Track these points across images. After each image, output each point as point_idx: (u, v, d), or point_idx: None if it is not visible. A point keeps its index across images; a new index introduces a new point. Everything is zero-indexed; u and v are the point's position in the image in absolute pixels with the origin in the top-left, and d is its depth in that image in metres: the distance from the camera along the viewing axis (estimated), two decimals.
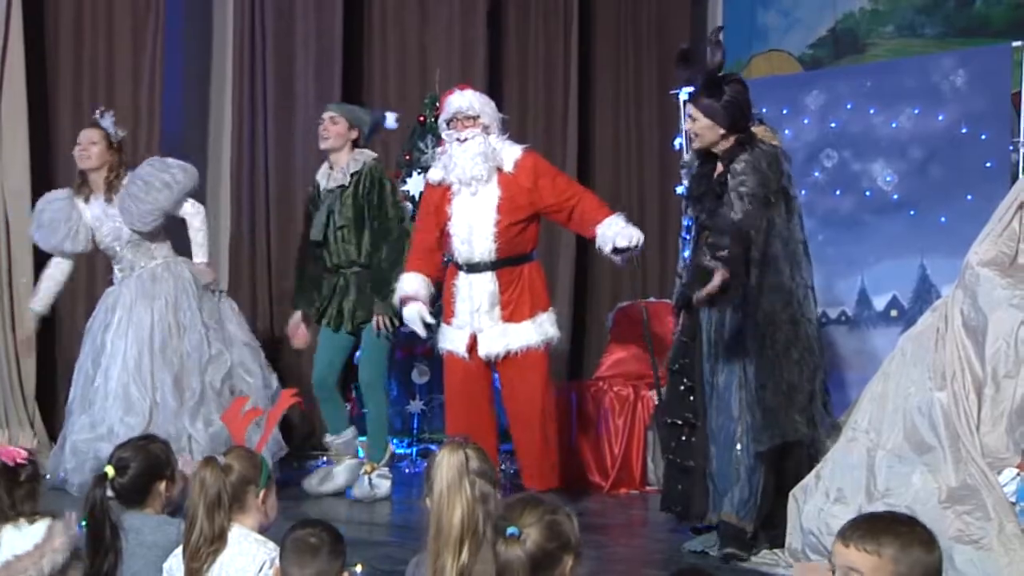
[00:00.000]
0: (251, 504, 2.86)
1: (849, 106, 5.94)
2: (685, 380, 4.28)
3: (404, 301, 4.94)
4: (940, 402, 3.62)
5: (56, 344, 6.13)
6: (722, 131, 4.24)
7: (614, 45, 7.74)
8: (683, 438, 4.26)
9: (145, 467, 3.02)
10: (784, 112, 6.11)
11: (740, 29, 7.70)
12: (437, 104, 6.36)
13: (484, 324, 4.81)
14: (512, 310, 4.81)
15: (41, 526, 2.83)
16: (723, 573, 3.87)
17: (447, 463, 2.41)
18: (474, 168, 4.76)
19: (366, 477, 5.24)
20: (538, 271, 4.96)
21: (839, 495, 3.75)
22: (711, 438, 4.16)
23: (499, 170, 4.81)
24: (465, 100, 4.87)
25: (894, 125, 5.76)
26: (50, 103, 6.13)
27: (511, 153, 4.84)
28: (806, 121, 6.06)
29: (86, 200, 5.34)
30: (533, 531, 2.21)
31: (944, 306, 3.85)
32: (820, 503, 3.79)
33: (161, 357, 5.16)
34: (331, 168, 5.34)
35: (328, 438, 5.46)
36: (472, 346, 4.83)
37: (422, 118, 6.37)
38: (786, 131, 6.04)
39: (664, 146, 7.29)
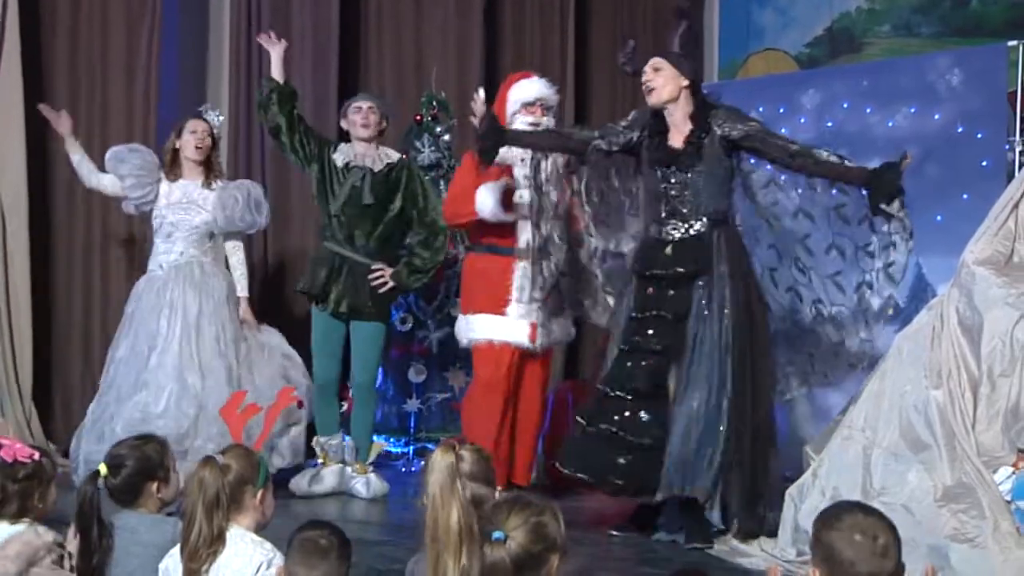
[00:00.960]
0: (248, 504, 2.85)
1: (845, 105, 5.94)
2: (637, 356, 4.30)
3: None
4: (936, 400, 3.64)
5: (52, 345, 6.11)
6: (685, 84, 4.35)
7: (610, 42, 7.74)
8: (628, 413, 4.26)
9: (137, 468, 3.01)
10: (781, 111, 6.11)
11: (736, 28, 7.72)
12: (434, 103, 6.37)
13: (540, 316, 4.93)
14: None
15: (5, 531, 2.82)
16: (722, 572, 3.87)
17: (439, 466, 2.41)
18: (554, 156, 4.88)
19: (364, 479, 5.24)
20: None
21: (835, 494, 3.76)
22: (686, 416, 4.17)
23: None
24: (549, 90, 5.06)
25: (890, 124, 5.76)
26: (46, 99, 6.10)
27: None
28: (802, 120, 6.06)
29: (172, 180, 5.45)
30: (518, 534, 2.21)
31: (940, 305, 3.86)
32: (816, 502, 3.80)
33: (213, 349, 5.24)
34: (351, 149, 5.37)
35: (321, 439, 5.39)
36: (533, 336, 4.92)
37: (419, 117, 6.37)
38: (783, 130, 6.02)
39: None
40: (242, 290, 5.45)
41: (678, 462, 4.15)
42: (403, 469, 5.94)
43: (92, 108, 6.19)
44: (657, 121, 4.46)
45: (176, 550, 2.84)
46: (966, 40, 6.66)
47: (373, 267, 5.27)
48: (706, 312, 4.23)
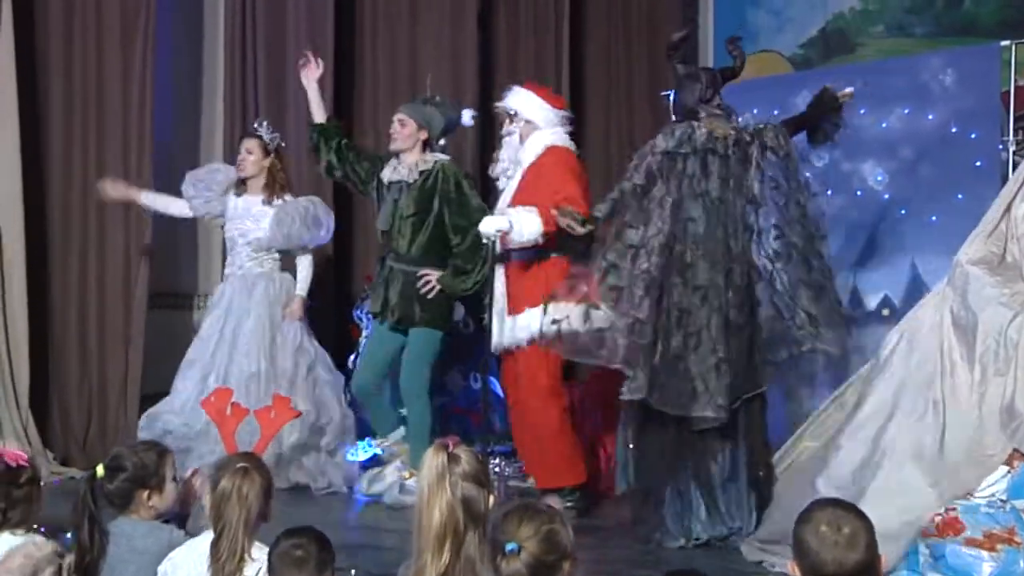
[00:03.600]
0: (266, 514, 2.85)
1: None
2: None
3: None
4: (929, 399, 3.65)
5: (49, 352, 6.11)
6: None
7: (605, 46, 7.76)
8: None
9: (131, 474, 3.00)
10: (775, 113, 6.07)
11: (730, 29, 7.70)
12: None
13: (495, 316, 4.96)
14: (515, 303, 4.93)
15: (5, 542, 2.82)
16: (716, 573, 3.88)
17: (428, 464, 2.45)
18: (503, 163, 5.08)
19: (397, 484, 5.21)
20: (556, 265, 4.85)
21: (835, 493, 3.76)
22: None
23: (522, 166, 5.01)
24: (504, 100, 5.18)
25: (884, 125, 5.76)
26: (40, 105, 6.11)
27: (534, 150, 5.00)
28: None
29: (238, 195, 5.74)
30: (531, 544, 2.22)
31: (932, 303, 3.88)
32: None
33: (244, 359, 5.50)
34: (398, 163, 5.43)
35: (376, 441, 5.44)
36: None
37: None
38: None
39: None
40: (300, 290, 5.68)
41: None
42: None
43: (87, 115, 6.19)
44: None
45: (175, 554, 2.84)
46: (959, 40, 6.67)
47: (419, 273, 5.30)
48: None
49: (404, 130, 5.37)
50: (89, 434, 6.12)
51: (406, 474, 5.23)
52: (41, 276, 6.05)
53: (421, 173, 5.35)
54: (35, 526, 3.01)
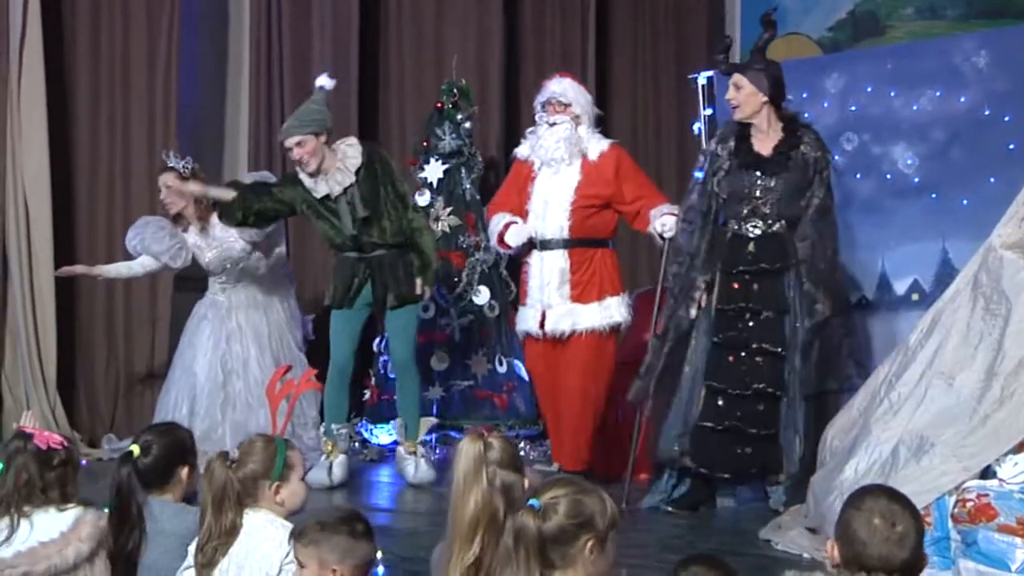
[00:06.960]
0: (264, 496, 2.86)
1: (869, 89, 5.87)
2: (741, 352, 4.52)
3: (506, 228, 5.13)
4: (958, 383, 3.62)
5: (76, 335, 6.15)
6: (764, 99, 4.66)
7: (631, 30, 7.71)
8: (748, 407, 4.49)
9: (168, 450, 3.03)
10: (804, 96, 6.04)
11: (758, 12, 7.62)
12: (454, 91, 6.36)
13: (553, 301, 5.03)
14: (581, 291, 5.03)
15: (70, 514, 2.84)
16: (736, 559, 3.85)
17: (465, 454, 2.44)
18: (557, 151, 5.06)
19: (414, 460, 5.18)
20: (612, 257, 5.15)
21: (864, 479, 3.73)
22: (798, 403, 4.49)
23: (584, 157, 5.09)
24: (560, 87, 5.20)
25: (915, 108, 5.68)
26: (68, 88, 6.15)
27: (597, 144, 5.14)
28: (826, 104, 5.99)
29: (184, 230, 5.61)
30: (556, 505, 2.21)
31: (965, 285, 3.84)
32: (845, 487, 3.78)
33: (273, 362, 5.52)
34: (325, 177, 5.08)
35: (333, 426, 5.25)
36: (543, 322, 5.07)
37: (439, 104, 6.36)
38: (806, 114, 5.98)
39: (682, 131, 7.26)
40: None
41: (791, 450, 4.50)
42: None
43: (113, 103, 6.23)
44: (743, 128, 4.74)
45: None
46: (991, 22, 6.58)
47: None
48: (797, 308, 4.53)
49: (306, 148, 4.99)
50: (116, 416, 6.17)
51: (407, 445, 5.22)
52: (68, 259, 6.07)
53: (358, 172, 5.06)
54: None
